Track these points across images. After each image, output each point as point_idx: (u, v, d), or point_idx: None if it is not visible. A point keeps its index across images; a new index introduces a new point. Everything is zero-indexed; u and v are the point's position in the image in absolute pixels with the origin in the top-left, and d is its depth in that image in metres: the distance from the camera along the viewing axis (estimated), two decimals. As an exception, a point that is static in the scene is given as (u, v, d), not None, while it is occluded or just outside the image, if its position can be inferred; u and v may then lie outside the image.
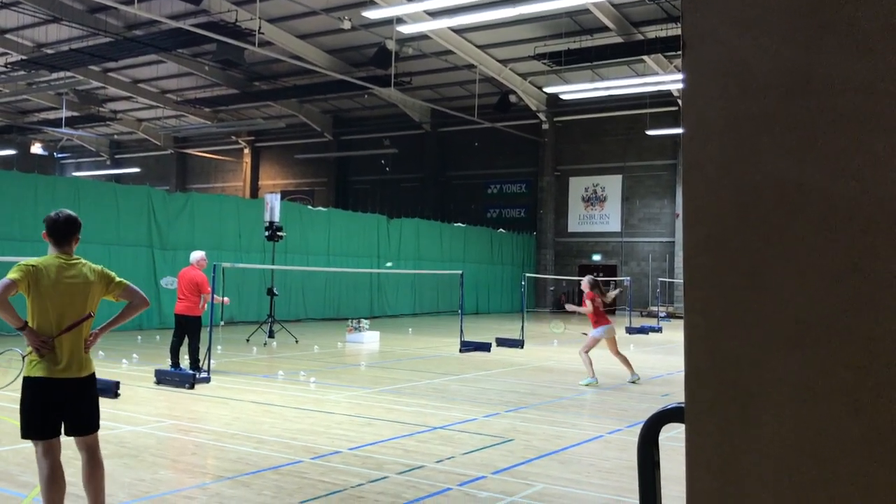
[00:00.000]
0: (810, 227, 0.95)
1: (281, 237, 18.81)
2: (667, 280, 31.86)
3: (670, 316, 30.45)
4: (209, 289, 11.33)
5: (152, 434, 7.58)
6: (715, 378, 1.00)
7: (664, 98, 31.18)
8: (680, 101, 20.11)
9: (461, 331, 16.70)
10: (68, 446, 4.58)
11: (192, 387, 10.40)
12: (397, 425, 8.27)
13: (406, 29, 23.43)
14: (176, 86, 36.10)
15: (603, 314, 11.94)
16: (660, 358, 16.40)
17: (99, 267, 4.62)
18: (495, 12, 21.12)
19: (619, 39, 26.34)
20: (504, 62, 30.96)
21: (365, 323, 18.57)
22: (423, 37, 27.25)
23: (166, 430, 7.86)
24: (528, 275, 22.96)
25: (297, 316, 23.61)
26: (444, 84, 33.96)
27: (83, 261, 4.55)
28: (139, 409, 8.80)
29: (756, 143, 0.98)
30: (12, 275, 4.27)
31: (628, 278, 29.17)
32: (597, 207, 35.10)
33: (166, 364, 11.49)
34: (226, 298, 12.46)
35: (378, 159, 39.47)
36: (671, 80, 26.53)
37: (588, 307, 11.89)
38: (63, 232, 4.49)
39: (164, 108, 38.35)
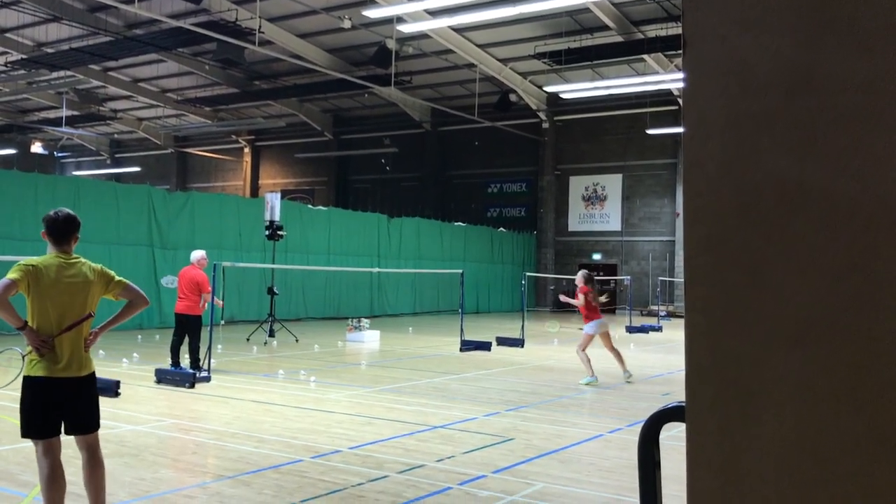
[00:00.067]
0: (811, 226, 0.95)
1: (281, 236, 18.82)
2: (667, 279, 31.86)
3: (670, 315, 30.44)
4: (210, 288, 11.34)
5: (153, 433, 7.58)
6: (716, 377, 1.00)
7: (664, 97, 31.16)
8: (680, 100, 20.08)
9: (461, 330, 16.71)
10: (69, 445, 4.58)
11: (192, 386, 10.41)
12: (398, 424, 8.27)
13: (406, 28, 23.42)
14: (176, 85, 36.09)
15: (595, 309, 11.93)
16: (660, 357, 16.41)
17: (98, 266, 4.61)
18: (495, 11, 21.10)
19: (619, 38, 26.33)
20: (504, 61, 30.95)
21: (365, 322, 18.56)
22: (423, 36, 27.25)
23: (167, 429, 7.86)
24: (528, 274, 22.96)
25: (297, 315, 23.61)
26: (444, 83, 33.95)
27: (83, 260, 4.55)
28: (139, 409, 8.80)
29: (757, 141, 0.98)
30: (12, 274, 4.27)
31: (629, 277, 29.20)
32: (597, 206, 35.09)
33: (167, 363, 11.50)
34: (219, 301, 12.39)
35: (378, 158, 39.46)
36: (671, 79, 26.52)
37: (580, 300, 11.90)
38: (62, 231, 4.48)
39: (165, 108, 38.34)
